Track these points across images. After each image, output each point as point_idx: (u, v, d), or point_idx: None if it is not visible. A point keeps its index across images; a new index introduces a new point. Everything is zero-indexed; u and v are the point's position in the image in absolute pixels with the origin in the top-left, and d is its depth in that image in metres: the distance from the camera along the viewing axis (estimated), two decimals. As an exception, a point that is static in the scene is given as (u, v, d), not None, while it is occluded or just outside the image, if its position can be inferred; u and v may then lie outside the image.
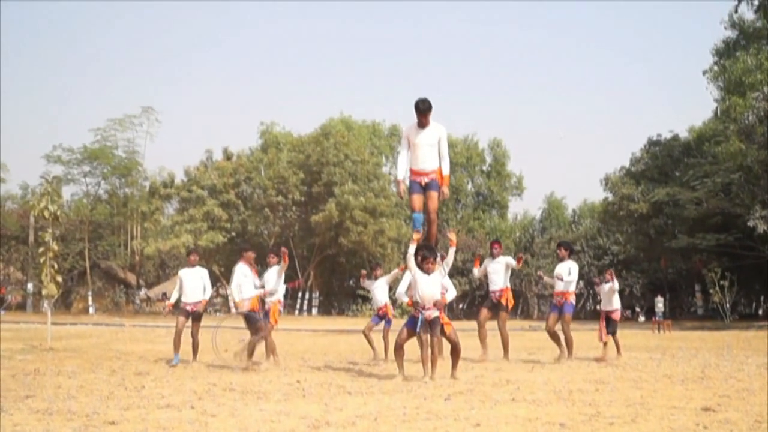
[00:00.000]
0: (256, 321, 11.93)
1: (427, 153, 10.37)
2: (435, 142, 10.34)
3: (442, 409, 7.05)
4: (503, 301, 13.32)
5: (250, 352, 11.85)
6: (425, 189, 10.36)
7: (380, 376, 10.22)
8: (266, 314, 12.74)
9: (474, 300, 52.71)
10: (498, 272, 13.44)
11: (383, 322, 13.98)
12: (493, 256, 13.60)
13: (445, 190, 10.42)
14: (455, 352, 9.93)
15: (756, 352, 15.50)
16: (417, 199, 10.41)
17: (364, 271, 14.92)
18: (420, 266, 9.92)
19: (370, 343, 14.03)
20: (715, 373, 10.75)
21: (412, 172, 10.50)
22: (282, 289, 12.69)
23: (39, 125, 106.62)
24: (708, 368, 11.49)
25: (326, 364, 12.56)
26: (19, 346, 16.40)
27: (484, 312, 13.57)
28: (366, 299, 49.67)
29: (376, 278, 14.16)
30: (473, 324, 14.42)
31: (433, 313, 9.72)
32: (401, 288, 11.91)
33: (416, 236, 10.28)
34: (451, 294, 10.94)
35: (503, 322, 13.46)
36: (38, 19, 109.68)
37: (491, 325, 13.66)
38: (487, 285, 13.82)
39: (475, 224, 62.94)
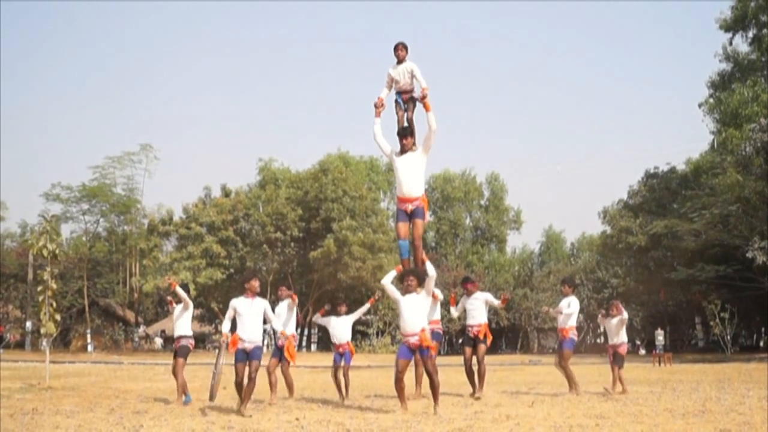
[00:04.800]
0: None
1: (411, 178, 10.68)
2: (419, 161, 10.71)
3: (441, 445, 7.03)
4: (481, 336, 13.22)
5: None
6: (411, 216, 10.62)
7: (379, 413, 10.18)
8: (280, 350, 12.60)
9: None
10: (478, 308, 13.30)
11: (342, 360, 13.19)
12: (467, 294, 13.52)
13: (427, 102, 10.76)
14: (434, 385, 9.97)
15: (757, 384, 15.44)
16: (403, 227, 10.72)
17: (327, 307, 14.28)
18: (402, 287, 10.18)
19: (337, 386, 13.17)
20: (716, 406, 10.72)
21: (399, 200, 10.79)
22: (294, 323, 12.62)
23: (38, 164, 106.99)
24: (709, 402, 11.45)
25: (325, 401, 12.49)
26: (17, 385, 16.31)
27: (468, 351, 13.45)
28: (365, 335, 49.48)
29: (339, 315, 13.61)
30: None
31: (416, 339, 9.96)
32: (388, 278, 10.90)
33: (397, 267, 10.64)
34: (431, 271, 10.49)
35: (482, 355, 13.31)
36: (37, 59, 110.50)
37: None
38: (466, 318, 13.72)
39: (473, 258, 62.95)
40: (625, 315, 13.69)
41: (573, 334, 13.67)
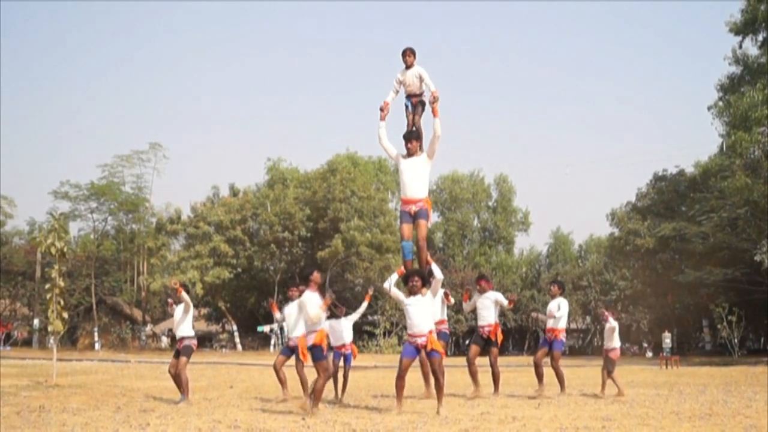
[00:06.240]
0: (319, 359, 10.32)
1: (416, 180, 10.85)
2: (424, 165, 10.90)
3: (447, 446, 7.02)
4: (492, 337, 13.23)
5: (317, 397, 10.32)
6: (414, 218, 10.77)
7: (385, 413, 10.18)
8: (293, 350, 12.68)
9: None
10: (488, 308, 13.32)
11: (343, 360, 13.13)
12: (480, 291, 13.53)
13: (436, 105, 10.85)
14: (439, 386, 10.01)
15: (764, 388, 15.40)
16: (406, 228, 10.84)
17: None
18: (406, 288, 10.28)
19: (335, 384, 13.09)
20: (722, 409, 10.69)
21: (402, 201, 10.98)
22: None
23: (47, 161, 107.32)
24: (716, 405, 11.43)
25: (331, 401, 12.50)
26: (24, 383, 16.37)
27: (475, 349, 13.47)
28: (372, 335, 49.45)
29: (338, 317, 13.47)
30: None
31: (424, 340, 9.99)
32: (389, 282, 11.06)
33: (400, 269, 10.84)
34: (438, 273, 10.66)
35: (494, 358, 13.39)
36: (46, 58, 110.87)
37: (481, 362, 13.52)
38: (476, 320, 13.80)
39: (481, 260, 62.78)
40: (612, 323, 13.67)
41: (563, 336, 13.71)
